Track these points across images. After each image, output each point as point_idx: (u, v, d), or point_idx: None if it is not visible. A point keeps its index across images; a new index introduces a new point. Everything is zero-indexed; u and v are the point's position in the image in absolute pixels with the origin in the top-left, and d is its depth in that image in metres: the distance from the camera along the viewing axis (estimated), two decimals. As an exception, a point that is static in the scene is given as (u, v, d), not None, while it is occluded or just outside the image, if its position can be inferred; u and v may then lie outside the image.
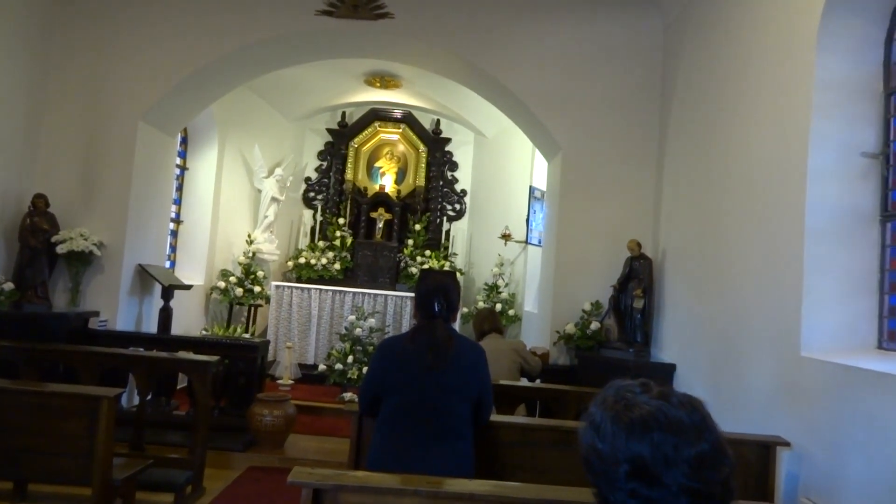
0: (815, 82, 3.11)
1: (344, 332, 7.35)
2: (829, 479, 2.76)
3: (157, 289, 6.14)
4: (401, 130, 9.47)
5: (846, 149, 3.10)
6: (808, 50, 3.18)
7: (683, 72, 5.12)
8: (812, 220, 3.07)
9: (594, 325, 5.30)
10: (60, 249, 5.35)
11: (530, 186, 7.94)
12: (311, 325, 8.04)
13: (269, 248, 8.62)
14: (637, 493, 1.02)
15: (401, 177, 9.46)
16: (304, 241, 9.13)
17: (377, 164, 9.50)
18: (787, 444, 2.97)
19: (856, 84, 3.11)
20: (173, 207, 7.41)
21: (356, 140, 9.45)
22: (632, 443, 1.02)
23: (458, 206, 9.48)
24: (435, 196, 9.38)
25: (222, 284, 7.92)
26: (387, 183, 9.36)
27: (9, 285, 5.04)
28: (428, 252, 8.91)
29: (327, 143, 9.47)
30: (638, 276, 5.14)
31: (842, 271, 3.05)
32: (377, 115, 9.40)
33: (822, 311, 3.04)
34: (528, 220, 7.81)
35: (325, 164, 9.45)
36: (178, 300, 6.36)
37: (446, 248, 9.11)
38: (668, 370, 4.68)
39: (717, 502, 1.02)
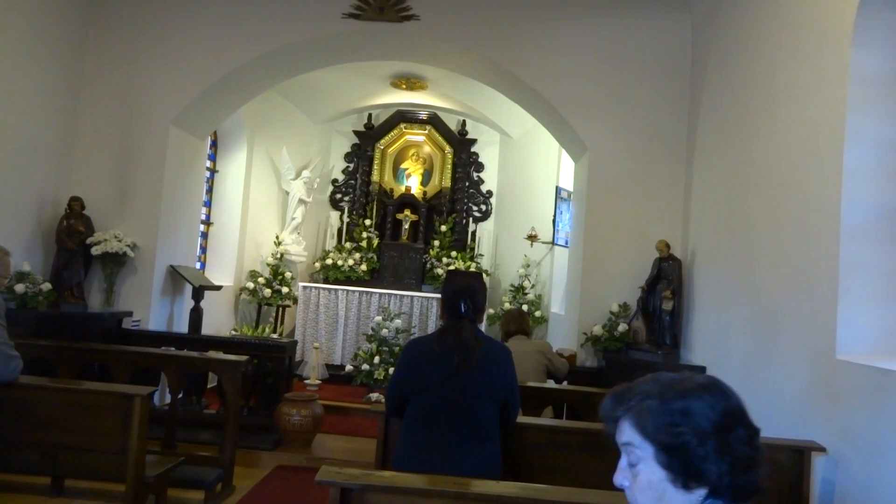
0: (851, 77, 3.03)
1: (370, 332, 7.40)
2: (867, 487, 2.68)
3: (188, 289, 6.26)
4: (426, 132, 9.49)
5: (884, 145, 3.01)
6: (843, 44, 3.10)
7: (713, 70, 5.03)
8: (848, 218, 2.99)
9: (622, 327, 5.24)
10: (95, 251, 5.49)
11: (557, 187, 7.89)
12: (338, 325, 8.11)
13: (297, 249, 8.71)
14: (725, 446, 1.09)
15: (427, 178, 9.49)
16: (331, 243, 9.21)
17: (403, 166, 9.54)
18: (822, 450, 2.89)
19: (894, 79, 3.02)
20: (203, 210, 7.54)
21: (382, 142, 9.50)
22: (702, 404, 1.12)
23: (483, 207, 9.46)
24: (461, 197, 9.38)
25: (251, 285, 8.03)
26: (413, 184, 9.39)
27: (46, 286, 5.18)
28: (454, 253, 8.92)
29: (354, 145, 9.54)
30: (667, 277, 5.07)
31: (880, 272, 2.96)
32: (403, 116, 9.45)
33: (858, 313, 2.95)
34: (554, 221, 7.75)
35: (351, 165, 9.52)
36: (208, 301, 6.47)
37: (472, 249, 9.10)
38: (698, 373, 4.59)
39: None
